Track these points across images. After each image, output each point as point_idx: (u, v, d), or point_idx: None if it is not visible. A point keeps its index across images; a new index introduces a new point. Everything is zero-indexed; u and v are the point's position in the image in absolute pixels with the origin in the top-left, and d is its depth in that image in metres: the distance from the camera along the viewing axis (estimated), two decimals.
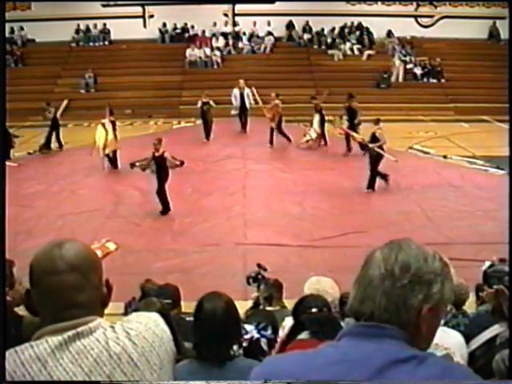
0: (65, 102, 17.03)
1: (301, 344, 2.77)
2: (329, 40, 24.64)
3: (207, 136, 16.75)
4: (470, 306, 4.67)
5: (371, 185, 12.14)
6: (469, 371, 1.47)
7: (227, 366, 2.68)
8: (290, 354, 2.06)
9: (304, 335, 2.87)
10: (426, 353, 1.40)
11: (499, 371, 2.55)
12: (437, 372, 1.32)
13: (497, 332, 3.32)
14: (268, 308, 4.92)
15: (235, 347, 2.84)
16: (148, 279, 5.71)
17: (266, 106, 16.89)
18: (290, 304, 5.48)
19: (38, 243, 9.27)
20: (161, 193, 10.82)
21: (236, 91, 18.08)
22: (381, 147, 12.20)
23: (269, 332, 3.62)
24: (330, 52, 24.29)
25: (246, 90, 17.88)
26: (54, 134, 15.82)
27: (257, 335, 3.53)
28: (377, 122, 12.72)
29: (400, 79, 23.26)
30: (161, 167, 10.81)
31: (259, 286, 5.29)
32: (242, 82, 18.01)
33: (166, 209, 10.92)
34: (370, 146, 12.20)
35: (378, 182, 12.27)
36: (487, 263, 4.53)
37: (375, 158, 12.13)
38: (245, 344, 3.36)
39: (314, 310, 3.01)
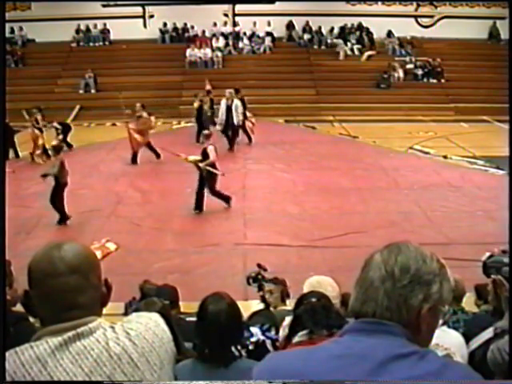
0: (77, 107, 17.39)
1: (298, 346, 2.77)
2: (329, 40, 24.67)
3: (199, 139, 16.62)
4: (470, 306, 4.67)
5: (199, 205, 11.00)
6: (468, 369, 1.50)
7: (229, 367, 2.69)
8: (292, 350, 2.07)
9: (300, 337, 2.85)
10: (427, 349, 1.43)
11: (494, 361, 2.47)
12: (436, 368, 1.35)
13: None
14: (282, 307, 4.94)
15: (237, 348, 2.84)
16: (146, 280, 5.71)
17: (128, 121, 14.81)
18: (289, 304, 5.51)
19: (37, 243, 9.28)
20: (54, 202, 10.48)
21: (222, 103, 15.58)
22: (213, 165, 10.94)
23: (273, 333, 3.63)
24: (335, 41, 24.32)
25: (235, 102, 15.35)
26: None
27: (262, 337, 3.53)
28: (208, 136, 11.35)
29: (400, 79, 23.25)
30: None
31: (260, 286, 5.29)
32: (228, 92, 15.63)
33: (62, 218, 10.58)
34: (201, 165, 10.86)
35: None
36: (487, 254, 4.53)
37: (209, 177, 10.91)
38: (251, 347, 3.37)
39: (312, 299, 3.00)
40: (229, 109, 15.32)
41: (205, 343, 2.77)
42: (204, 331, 2.77)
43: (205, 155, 10.94)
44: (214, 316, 2.76)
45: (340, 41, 24.40)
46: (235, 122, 15.31)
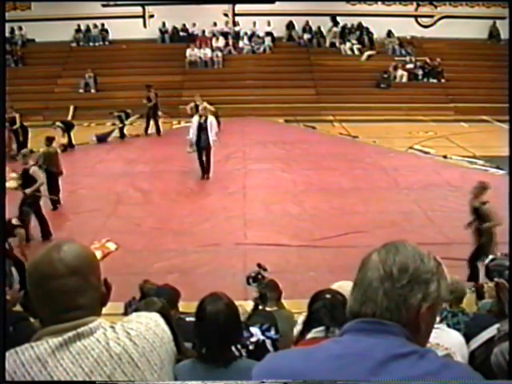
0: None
1: (312, 342, 2.71)
2: (328, 41, 24.69)
3: None
4: (470, 306, 4.67)
5: (45, 234, 9.70)
6: (468, 368, 1.49)
7: (228, 367, 2.69)
8: (292, 350, 2.07)
9: (315, 333, 2.81)
10: (427, 348, 1.43)
11: (498, 365, 2.50)
12: (436, 367, 1.35)
13: (497, 332, 3.31)
14: (265, 308, 4.92)
15: (237, 348, 2.84)
16: (146, 280, 5.71)
17: None
18: (289, 304, 5.50)
19: (37, 243, 9.29)
20: None
21: (194, 121, 13.11)
22: (38, 189, 9.83)
23: (272, 332, 3.63)
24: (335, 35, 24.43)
25: (210, 119, 13.02)
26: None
27: (262, 337, 3.53)
28: (26, 156, 9.94)
29: (403, 79, 23.22)
30: None
31: (259, 286, 5.30)
32: (201, 107, 13.75)
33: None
34: (28, 191, 9.51)
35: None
36: (490, 257, 4.54)
37: (34, 202, 9.71)
38: (251, 347, 3.37)
39: (327, 296, 2.93)
40: (201, 127, 12.83)
41: (203, 343, 2.77)
42: (202, 331, 2.78)
43: (27, 178, 9.58)
44: (212, 316, 2.77)
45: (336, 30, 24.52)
46: (211, 143, 12.88)
